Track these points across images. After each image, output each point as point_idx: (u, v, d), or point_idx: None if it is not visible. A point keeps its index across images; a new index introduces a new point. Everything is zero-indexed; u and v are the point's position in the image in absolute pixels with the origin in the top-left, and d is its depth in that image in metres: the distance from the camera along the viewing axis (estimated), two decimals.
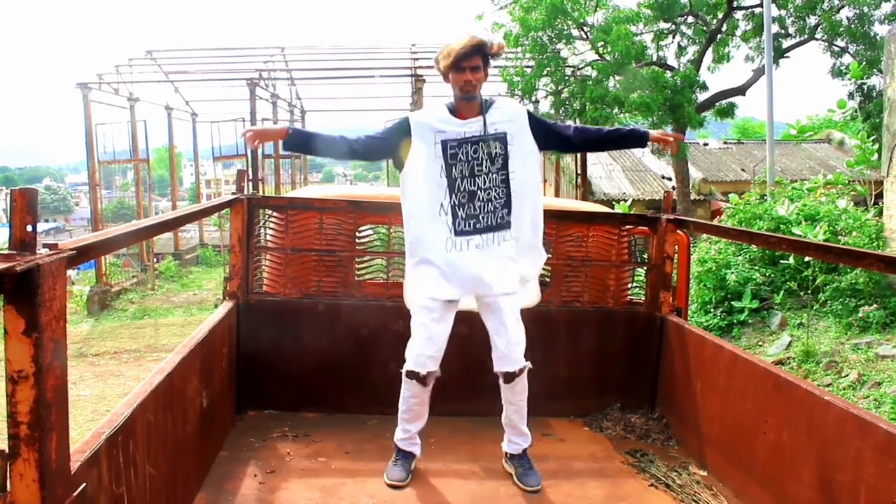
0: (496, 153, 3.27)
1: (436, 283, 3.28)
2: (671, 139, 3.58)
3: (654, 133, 3.56)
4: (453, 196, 3.26)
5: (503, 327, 3.32)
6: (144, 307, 15.23)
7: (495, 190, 3.28)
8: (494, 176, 3.28)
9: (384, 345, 4.17)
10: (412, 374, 3.33)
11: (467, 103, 3.29)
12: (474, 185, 3.27)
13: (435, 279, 3.29)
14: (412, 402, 3.41)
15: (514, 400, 3.41)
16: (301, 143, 3.40)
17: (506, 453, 3.54)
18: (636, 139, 3.56)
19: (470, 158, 3.26)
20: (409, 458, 3.49)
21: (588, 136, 3.61)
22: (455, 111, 3.31)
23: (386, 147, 3.41)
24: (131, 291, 16.51)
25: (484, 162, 3.27)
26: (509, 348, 3.32)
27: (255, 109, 16.59)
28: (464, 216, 3.27)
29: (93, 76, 16.77)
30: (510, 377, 3.34)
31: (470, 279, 3.27)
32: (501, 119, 3.30)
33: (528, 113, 3.41)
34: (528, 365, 3.37)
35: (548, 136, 3.44)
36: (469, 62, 3.19)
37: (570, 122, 3.47)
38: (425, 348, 3.30)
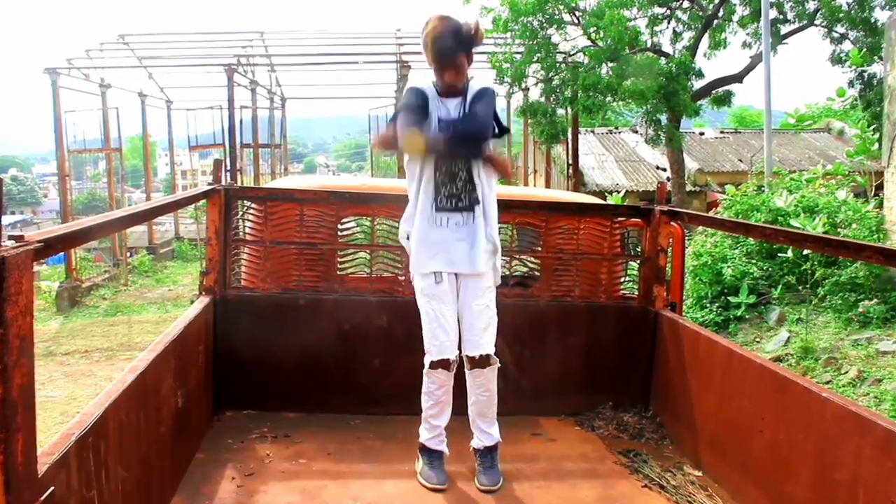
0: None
1: (421, 258, 3.39)
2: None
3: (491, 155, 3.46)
4: (437, 173, 3.35)
5: (468, 307, 3.40)
6: (117, 304, 15.16)
7: (465, 171, 3.37)
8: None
9: (368, 341, 4.17)
10: (438, 364, 3.36)
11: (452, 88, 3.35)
12: (455, 167, 3.35)
13: (423, 253, 3.39)
14: (439, 394, 3.43)
15: (475, 391, 3.44)
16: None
17: (471, 446, 3.54)
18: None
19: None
20: (441, 458, 3.49)
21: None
22: (439, 90, 3.36)
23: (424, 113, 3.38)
24: (103, 287, 16.43)
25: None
26: (475, 333, 3.38)
27: (233, 96, 16.54)
28: (445, 194, 3.36)
29: (62, 61, 16.67)
30: (473, 363, 3.38)
31: (450, 255, 3.37)
32: (474, 99, 3.35)
33: (481, 89, 3.39)
34: (495, 361, 3.40)
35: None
36: (451, 61, 3.22)
37: (477, 108, 3.41)
38: (442, 334, 3.36)
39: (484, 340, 3.38)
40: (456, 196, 3.37)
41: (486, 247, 3.39)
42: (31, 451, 1.79)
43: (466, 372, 3.43)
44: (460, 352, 3.42)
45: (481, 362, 3.38)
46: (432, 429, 3.48)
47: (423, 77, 3.49)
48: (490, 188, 3.44)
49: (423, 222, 3.39)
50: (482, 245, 3.38)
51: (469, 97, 3.34)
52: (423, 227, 3.39)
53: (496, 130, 3.43)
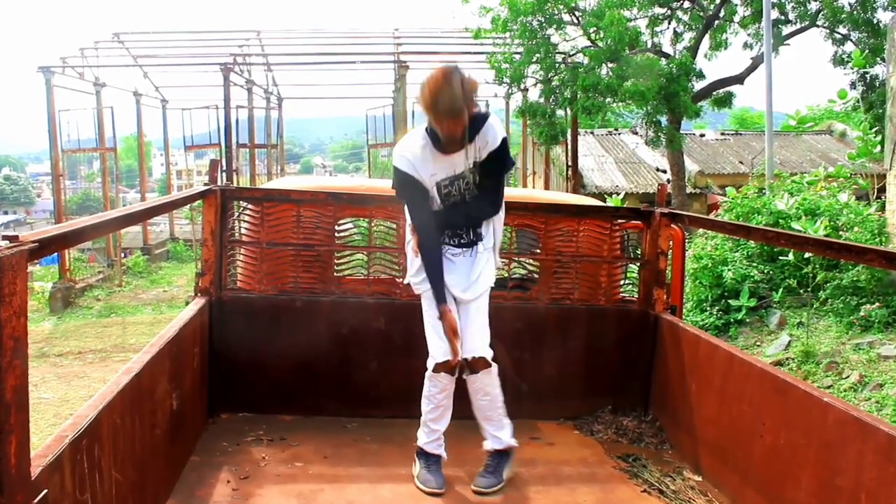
0: (472, 180, 3.41)
1: (423, 279, 3.45)
2: None
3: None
4: (447, 226, 3.48)
5: (473, 315, 3.45)
6: (111, 305, 15.14)
7: (473, 207, 3.47)
8: (469, 195, 3.44)
9: (365, 344, 4.18)
10: (441, 366, 3.39)
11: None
12: (464, 210, 3.46)
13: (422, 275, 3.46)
14: (440, 398, 3.45)
15: (475, 397, 3.48)
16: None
17: (486, 452, 3.57)
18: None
19: (462, 191, 3.42)
20: (439, 462, 3.51)
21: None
22: (440, 144, 3.31)
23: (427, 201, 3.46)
24: (97, 288, 16.40)
25: (468, 188, 3.42)
26: (476, 334, 3.42)
27: (228, 96, 16.52)
28: (449, 234, 3.49)
29: (56, 59, 16.65)
30: (473, 366, 3.40)
31: (449, 279, 3.43)
32: (481, 146, 3.35)
33: (500, 146, 3.38)
34: (493, 363, 3.43)
35: (482, 170, 3.41)
36: (452, 122, 3.17)
37: (496, 183, 3.46)
38: (445, 339, 3.37)
39: (478, 343, 3.41)
40: (458, 236, 3.50)
41: (486, 270, 3.50)
42: (24, 453, 1.79)
43: (466, 377, 3.44)
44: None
45: (477, 365, 3.40)
46: (431, 433, 3.49)
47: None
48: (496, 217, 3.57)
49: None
50: (479, 272, 3.48)
51: (475, 141, 3.31)
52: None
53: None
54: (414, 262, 3.51)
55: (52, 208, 17.52)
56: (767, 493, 3.13)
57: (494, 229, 3.56)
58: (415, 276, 3.51)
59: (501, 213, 3.59)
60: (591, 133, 25.30)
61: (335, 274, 4.31)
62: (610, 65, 14.20)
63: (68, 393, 8.81)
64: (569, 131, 16.71)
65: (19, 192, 66.32)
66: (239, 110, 18.41)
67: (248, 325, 4.18)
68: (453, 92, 3.08)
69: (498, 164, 3.41)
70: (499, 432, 3.51)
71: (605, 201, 13.02)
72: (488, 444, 3.53)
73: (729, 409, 3.52)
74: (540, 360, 4.10)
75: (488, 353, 3.41)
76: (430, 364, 3.41)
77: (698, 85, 15.63)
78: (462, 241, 3.49)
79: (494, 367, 3.44)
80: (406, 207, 3.53)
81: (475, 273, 3.47)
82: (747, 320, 8.65)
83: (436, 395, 3.45)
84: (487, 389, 3.45)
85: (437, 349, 3.39)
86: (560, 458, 3.86)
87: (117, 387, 2.53)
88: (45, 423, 7.32)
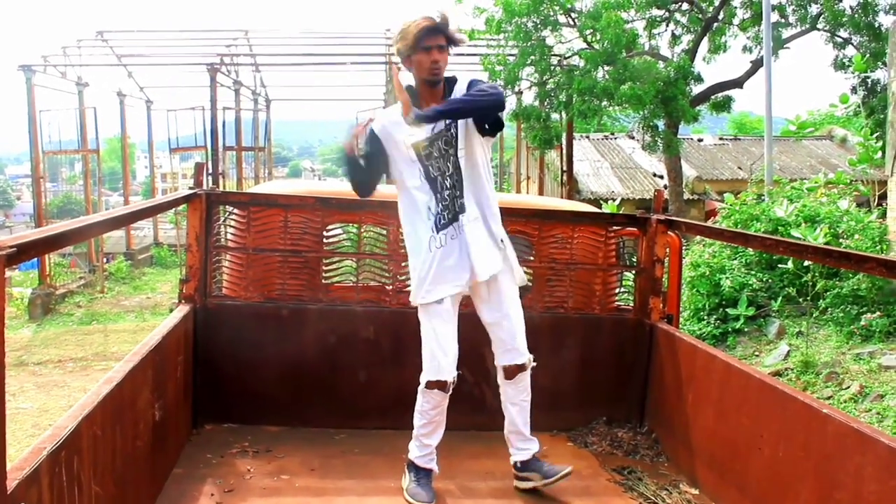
0: (452, 134, 3.35)
1: (430, 285, 3.37)
2: None
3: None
4: (437, 195, 3.36)
5: (501, 314, 3.43)
6: (92, 311, 15.07)
7: (454, 175, 3.37)
8: (453, 160, 3.36)
9: (353, 353, 4.17)
10: (434, 384, 3.37)
11: (431, 89, 3.34)
12: (448, 178, 3.37)
13: (429, 281, 3.37)
14: (433, 414, 3.44)
15: (517, 399, 3.49)
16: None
17: (515, 464, 3.57)
18: None
19: (442, 151, 3.35)
20: (429, 476, 3.50)
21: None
22: (419, 104, 3.30)
23: (371, 168, 3.45)
24: (78, 294, 16.33)
25: (450, 148, 3.36)
26: (512, 338, 3.42)
27: (215, 97, 16.49)
28: (440, 209, 3.37)
29: (37, 58, 16.57)
30: (512, 372, 3.41)
31: (453, 273, 3.36)
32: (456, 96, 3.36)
33: (470, 81, 3.40)
34: (533, 361, 3.46)
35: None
36: (434, 40, 3.25)
37: (482, 84, 3.45)
38: (441, 354, 3.37)
39: (521, 346, 3.43)
40: (447, 208, 3.36)
41: (489, 245, 3.39)
42: None
43: (503, 382, 3.46)
44: (459, 372, 3.43)
45: (520, 368, 3.42)
46: (423, 447, 3.48)
47: (412, 79, 3.47)
48: (482, 182, 3.42)
49: (424, 249, 3.39)
50: (482, 247, 3.37)
51: (451, 97, 3.34)
52: (423, 256, 3.38)
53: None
54: (414, 271, 3.45)
55: (33, 211, 17.43)
56: None
57: (478, 195, 3.40)
58: (415, 285, 3.44)
59: (488, 182, 3.46)
60: (587, 137, 25.38)
61: (323, 281, 4.31)
62: (606, 68, 14.22)
63: (48, 403, 8.76)
64: (564, 135, 16.73)
65: None
66: (226, 112, 18.37)
67: (234, 334, 4.17)
68: (434, 16, 3.24)
69: (476, 82, 3.35)
70: (528, 443, 3.55)
71: (600, 207, 13.04)
72: (520, 456, 3.55)
73: (726, 420, 3.53)
74: (533, 370, 4.09)
75: (526, 357, 3.43)
76: (423, 380, 3.39)
77: (696, 89, 15.67)
78: (450, 214, 3.35)
79: (530, 369, 3.46)
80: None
81: (478, 248, 3.35)
82: (746, 329, 8.67)
83: (428, 411, 3.43)
84: (522, 397, 3.48)
85: (432, 365, 3.37)
86: None
87: (97, 397, 2.52)
88: (24, 433, 7.28)
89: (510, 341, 3.43)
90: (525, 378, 3.46)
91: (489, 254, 3.38)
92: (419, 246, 3.40)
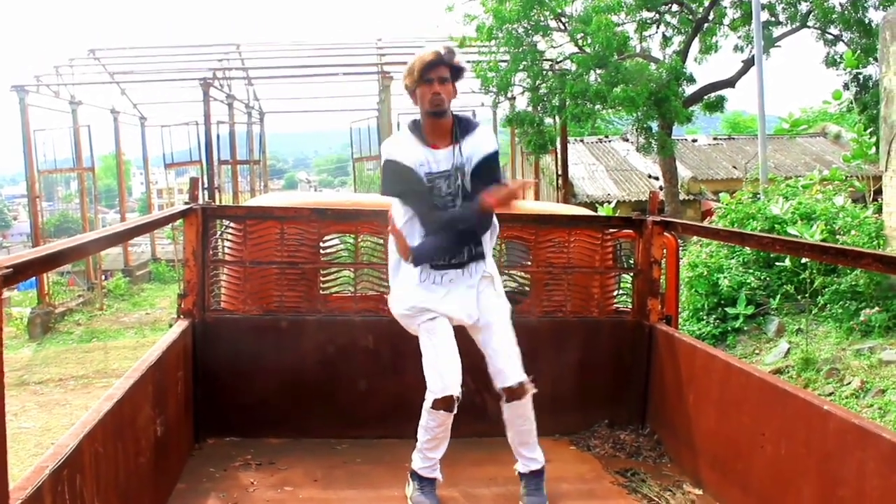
0: (458, 184, 3.35)
1: (420, 297, 3.39)
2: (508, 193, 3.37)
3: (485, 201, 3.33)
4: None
5: (494, 341, 3.41)
6: (92, 329, 15.06)
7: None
8: (459, 199, 3.36)
9: (353, 363, 4.17)
10: (440, 403, 3.30)
11: (436, 121, 3.33)
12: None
13: (417, 300, 3.39)
14: (437, 431, 3.39)
15: (514, 423, 3.46)
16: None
17: (515, 469, 3.58)
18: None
19: (444, 193, 3.35)
20: (434, 485, 3.48)
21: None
22: (424, 137, 3.33)
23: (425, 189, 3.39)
24: (77, 312, 16.31)
25: (454, 195, 3.35)
26: (503, 362, 3.38)
27: (209, 112, 16.50)
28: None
29: (30, 78, 16.59)
30: (511, 395, 3.38)
31: (447, 312, 3.38)
32: (468, 148, 3.35)
33: (494, 153, 3.40)
34: (530, 387, 3.41)
35: (476, 178, 3.37)
36: (436, 72, 3.23)
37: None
38: (445, 370, 3.32)
39: (511, 369, 3.38)
40: (449, 252, 3.38)
41: (483, 291, 3.44)
42: (2, 486, 1.78)
43: (503, 405, 3.42)
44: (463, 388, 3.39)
45: (518, 392, 3.38)
46: (427, 459, 3.46)
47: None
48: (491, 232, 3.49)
49: (415, 277, 3.39)
50: (481, 292, 3.42)
51: (464, 141, 3.34)
52: (413, 283, 3.39)
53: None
54: (397, 288, 3.47)
55: (30, 231, 17.43)
56: None
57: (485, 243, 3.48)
58: (404, 308, 3.44)
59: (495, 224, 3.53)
60: (581, 141, 25.41)
61: (321, 292, 4.31)
62: (598, 71, 14.24)
63: (49, 422, 8.75)
64: (558, 140, 16.75)
65: None
66: (220, 126, 18.40)
67: (233, 347, 4.17)
68: (437, 49, 3.24)
69: (491, 171, 3.37)
70: (534, 453, 3.52)
71: (596, 210, 13.06)
72: (523, 468, 3.53)
73: (728, 419, 3.53)
74: (533, 374, 4.08)
75: (525, 378, 3.39)
76: (429, 399, 3.33)
77: (689, 89, 15.69)
78: (454, 260, 3.38)
79: (531, 392, 3.41)
80: (396, 206, 3.41)
81: (482, 296, 3.43)
82: (745, 328, 8.68)
83: (433, 428, 3.38)
84: (527, 415, 3.44)
85: (436, 384, 3.31)
86: (557, 475, 3.84)
87: (98, 414, 2.52)
88: (27, 453, 7.27)
89: (499, 364, 3.39)
90: (522, 406, 3.40)
91: (484, 298, 3.44)
92: (408, 269, 3.40)
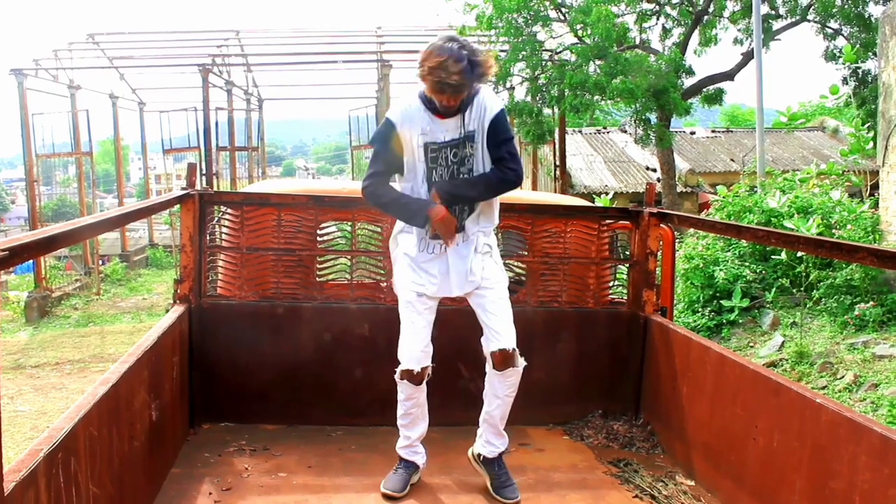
0: (467, 153, 3.34)
1: (414, 276, 3.41)
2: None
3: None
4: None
5: (490, 305, 3.40)
6: (89, 313, 15.07)
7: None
8: (466, 177, 3.36)
9: (349, 350, 4.17)
10: (405, 374, 3.39)
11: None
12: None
13: (414, 273, 3.41)
14: (408, 406, 3.46)
15: (501, 393, 3.43)
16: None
17: (478, 455, 3.55)
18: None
19: (450, 163, 3.34)
20: (410, 468, 3.51)
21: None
22: (431, 107, 3.31)
23: (397, 159, 3.41)
24: (74, 297, 16.31)
25: (460, 165, 3.35)
26: (500, 326, 3.38)
27: (208, 98, 16.47)
28: None
29: (29, 61, 16.54)
30: (503, 360, 3.36)
31: (443, 282, 3.39)
32: (475, 116, 3.32)
33: (499, 114, 3.37)
34: (522, 360, 3.41)
35: (488, 145, 3.36)
36: (453, 95, 3.17)
37: (510, 150, 3.39)
38: (414, 345, 3.39)
39: (504, 336, 3.38)
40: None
41: (478, 260, 3.40)
42: None
43: (491, 372, 3.42)
44: (433, 363, 3.44)
45: (510, 357, 3.36)
46: (404, 438, 3.52)
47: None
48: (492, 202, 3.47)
49: (416, 246, 3.41)
50: (476, 262, 3.40)
51: (469, 111, 3.30)
52: (415, 251, 3.41)
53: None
54: (395, 263, 3.51)
55: (27, 215, 17.38)
56: (761, 497, 3.15)
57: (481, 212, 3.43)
58: (399, 281, 3.48)
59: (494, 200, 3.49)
60: (580, 132, 25.38)
61: (318, 279, 4.31)
62: (598, 62, 14.22)
63: (45, 405, 8.76)
64: (556, 130, 16.75)
65: None
66: (218, 112, 18.36)
67: (229, 333, 4.17)
68: (457, 67, 3.06)
69: (500, 132, 3.35)
70: (498, 440, 3.50)
71: (593, 201, 13.07)
72: (490, 450, 3.50)
73: (721, 412, 3.54)
74: (528, 364, 4.09)
75: (514, 346, 3.38)
76: (397, 370, 3.42)
77: (688, 82, 15.68)
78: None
79: (521, 368, 3.41)
80: (371, 157, 3.46)
81: (482, 264, 3.41)
82: (740, 321, 8.69)
83: (403, 401, 3.46)
84: (508, 392, 3.42)
85: (403, 355, 3.40)
86: (550, 464, 3.87)
87: (94, 398, 2.52)
88: (22, 436, 7.28)
89: (495, 327, 3.39)
90: (514, 374, 3.40)
91: (480, 267, 3.40)
92: (409, 238, 3.44)
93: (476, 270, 3.39)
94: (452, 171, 3.34)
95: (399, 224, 3.50)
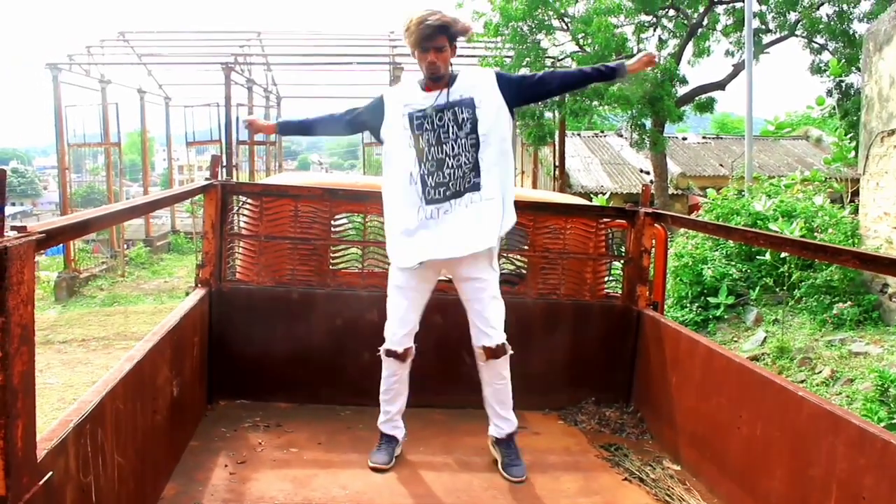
0: (464, 118, 3.28)
1: (404, 252, 3.34)
2: (647, 58, 3.48)
3: (631, 63, 3.46)
4: (422, 165, 3.30)
5: (479, 304, 3.38)
6: (114, 294, 15.10)
7: (465, 154, 3.29)
8: (464, 141, 3.28)
9: (358, 335, 4.17)
10: (390, 353, 3.44)
11: (435, 83, 3.32)
12: (442, 153, 3.29)
13: (404, 247, 3.34)
14: (392, 381, 3.49)
15: (491, 381, 3.44)
16: (294, 128, 3.92)
17: (490, 437, 3.57)
18: (611, 72, 3.49)
19: (436, 126, 3.29)
20: (392, 443, 3.53)
21: (564, 75, 3.64)
22: (422, 83, 3.36)
23: (364, 121, 3.58)
24: (100, 278, 16.35)
25: (451, 128, 3.29)
26: (485, 323, 3.37)
27: (229, 94, 16.48)
28: (433, 184, 3.30)
29: (63, 57, 16.56)
30: (489, 354, 3.36)
31: (436, 243, 3.28)
32: (466, 85, 3.32)
33: (497, 73, 3.40)
34: (509, 348, 3.40)
35: (521, 88, 3.43)
36: (432, 43, 3.21)
37: (530, 74, 3.49)
38: (397, 327, 3.41)
39: (495, 330, 3.37)
40: (444, 185, 3.29)
41: (476, 226, 3.27)
42: (30, 437, 1.78)
43: (479, 364, 3.43)
44: (416, 343, 3.46)
45: (495, 352, 3.37)
46: (384, 413, 3.55)
47: (416, 79, 3.47)
48: (499, 173, 3.34)
49: (407, 214, 3.32)
50: (473, 226, 3.27)
51: (454, 82, 3.30)
52: (408, 220, 3.31)
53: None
54: (391, 230, 3.43)
55: (58, 200, 17.41)
56: (743, 483, 3.15)
57: (490, 183, 3.30)
58: (394, 261, 3.42)
59: (509, 166, 3.44)
60: (578, 135, 25.33)
61: (330, 267, 4.30)
62: None
63: (72, 378, 8.78)
64: (556, 133, 16.73)
65: (26, 185, 65.78)
66: (239, 108, 18.35)
67: (247, 316, 4.17)
68: (429, 22, 3.17)
69: (514, 82, 3.40)
70: (508, 413, 3.51)
71: (590, 201, 13.04)
72: (498, 431, 3.51)
73: (707, 401, 3.53)
74: (527, 352, 4.09)
75: (503, 339, 3.36)
76: (382, 347, 3.46)
77: (681, 90, 15.66)
78: (448, 191, 3.28)
79: (507, 358, 3.41)
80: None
81: (466, 225, 3.27)
82: (725, 317, 8.69)
83: (387, 377, 3.49)
84: (504, 374, 3.43)
85: (389, 332, 3.44)
86: (545, 447, 3.86)
87: (120, 373, 2.52)
88: (50, 406, 7.30)
89: (480, 325, 3.37)
90: (499, 364, 3.39)
91: (476, 233, 3.27)
92: (403, 210, 3.34)
93: (473, 236, 3.27)
94: (439, 135, 3.28)
95: (388, 203, 3.43)
